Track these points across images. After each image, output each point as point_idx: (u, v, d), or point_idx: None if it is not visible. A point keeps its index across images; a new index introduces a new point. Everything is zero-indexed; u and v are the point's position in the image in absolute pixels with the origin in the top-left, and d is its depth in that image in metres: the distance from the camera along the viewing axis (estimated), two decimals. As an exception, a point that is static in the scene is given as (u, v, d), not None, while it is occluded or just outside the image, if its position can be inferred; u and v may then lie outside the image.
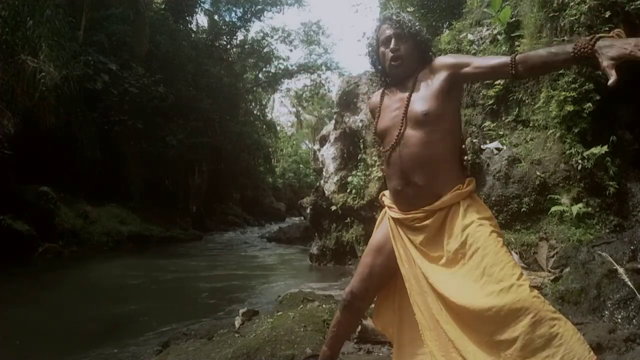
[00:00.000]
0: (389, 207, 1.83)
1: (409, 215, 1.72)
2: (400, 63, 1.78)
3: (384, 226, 1.86)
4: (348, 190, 7.69)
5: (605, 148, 3.99)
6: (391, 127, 1.77)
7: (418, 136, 1.68)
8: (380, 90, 1.94)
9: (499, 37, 5.51)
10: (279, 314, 3.56)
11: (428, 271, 1.63)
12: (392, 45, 1.78)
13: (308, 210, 8.99)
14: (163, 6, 17.80)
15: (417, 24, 1.83)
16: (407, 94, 1.75)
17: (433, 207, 1.67)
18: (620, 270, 2.37)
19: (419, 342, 1.69)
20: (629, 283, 2.36)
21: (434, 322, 1.60)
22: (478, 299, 1.48)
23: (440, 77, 1.71)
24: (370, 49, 1.91)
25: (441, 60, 1.76)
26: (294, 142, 36.26)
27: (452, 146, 1.75)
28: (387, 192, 1.90)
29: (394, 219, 1.79)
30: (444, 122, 1.70)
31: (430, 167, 1.68)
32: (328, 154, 8.42)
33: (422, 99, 1.71)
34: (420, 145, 1.68)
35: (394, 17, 1.81)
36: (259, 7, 22.38)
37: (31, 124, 9.28)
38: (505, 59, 1.59)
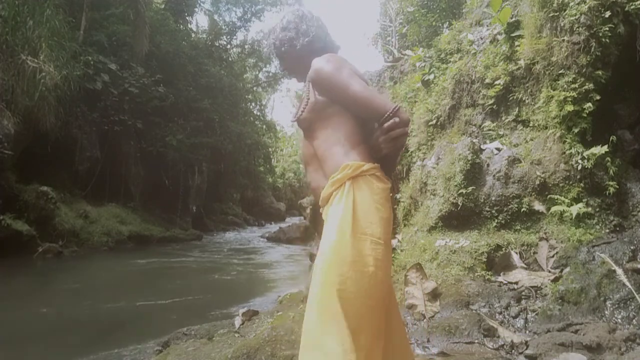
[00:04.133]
0: None
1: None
2: (291, 75, 1.81)
3: None
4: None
5: (605, 148, 3.99)
6: None
7: (304, 141, 1.66)
8: None
9: (499, 37, 5.51)
10: (279, 314, 3.56)
11: None
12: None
13: (308, 210, 8.99)
14: (163, 6, 17.79)
15: (280, 38, 1.70)
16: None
17: (321, 204, 1.58)
18: (619, 271, 2.37)
19: None
20: (628, 284, 2.36)
21: None
22: None
23: (311, 87, 1.59)
24: None
25: (310, 75, 1.57)
26: (294, 142, 36.23)
27: (330, 138, 1.56)
28: None
29: None
30: (317, 123, 1.58)
31: (313, 166, 1.61)
32: (328, 154, 8.41)
33: (300, 105, 1.65)
34: (304, 148, 1.66)
35: (264, 43, 1.85)
36: (259, 7, 22.42)
37: (31, 124, 9.28)
38: None
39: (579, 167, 4.13)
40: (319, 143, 1.55)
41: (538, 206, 4.29)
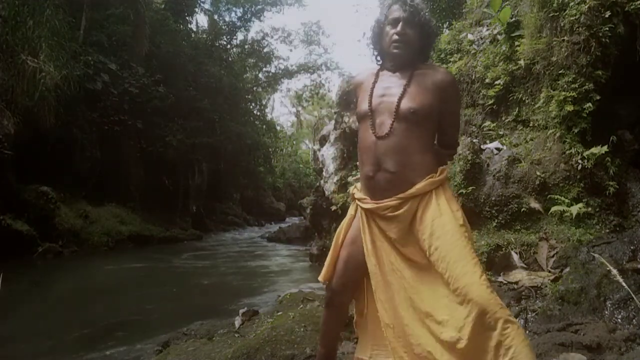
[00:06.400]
0: (360, 200, 1.82)
1: (382, 204, 1.70)
2: (403, 47, 1.76)
3: (358, 220, 1.84)
4: (348, 190, 7.69)
5: (605, 148, 3.99)
6: (374, 112, 1.76)
7: (398, 128, 1.70)
8: (369, 71, 1.92)
9: (499, 37, 5.51)
10: (279, 314, 3.55)
11: (399, 267, 1.67)
12: (399, 29, 1.74)
13: (308, 210, 9.00)
14: (163, 6, 17.77)
15: (428, 14, 1.81)
16: (398, 86, 1.76)
17: (406, 195, 1.67)
18: (614, 271, 2.37)
19: (379, 335, 1.74)
20: (624, 284, 2.37)
21: (398, 318, 1.63)
22: (439, 299, 1.56)
23: (435, 89, 1.73)
24: (375, 25, 1.87)
25: (444, 80, 1.75)
26: (294, 142, 36.23)
27: (428, 140, 1.80)
28: (358, 185, 1.90)
29: (365, 210, 1.78)
30: (426, 122, 1.74)
31: (404, 155, 1.70)
32: (328, 154, 8.42)
33: (413, 96, 1.71)
34: (397, 136, 1.70)
35: (409, 0, 1.77)
36: (259, 7, 22.39)
37: (31, 124, 9.26)
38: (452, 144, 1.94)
39: (579, 167, 4.13)
40: (417, 140, 1.71)
41: (538, 205, 4.28)
